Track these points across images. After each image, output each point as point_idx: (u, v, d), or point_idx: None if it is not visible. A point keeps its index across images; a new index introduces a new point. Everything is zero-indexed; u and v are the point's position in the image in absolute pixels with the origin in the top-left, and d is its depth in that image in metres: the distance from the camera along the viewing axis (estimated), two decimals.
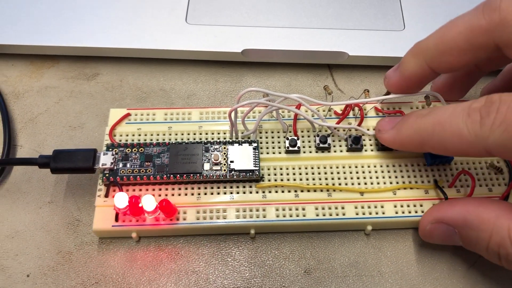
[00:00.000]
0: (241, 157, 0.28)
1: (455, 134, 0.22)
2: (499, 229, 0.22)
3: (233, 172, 0.28)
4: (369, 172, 0.29)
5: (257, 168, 0.28)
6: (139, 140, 0.29)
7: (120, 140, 0.29)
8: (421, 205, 0.28)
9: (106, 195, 0.28)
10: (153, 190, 0.28)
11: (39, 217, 0.28)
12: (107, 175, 0.28)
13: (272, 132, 0.30)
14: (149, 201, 0.26)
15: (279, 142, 0.30)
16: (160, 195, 0.28)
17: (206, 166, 0.28)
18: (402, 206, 0.28)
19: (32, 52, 0.34)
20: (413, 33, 0.34)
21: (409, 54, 0.26)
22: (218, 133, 0.30)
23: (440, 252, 0.28)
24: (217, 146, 0.29)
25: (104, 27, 0.34)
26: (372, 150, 0.29)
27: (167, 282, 0.27)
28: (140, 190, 0.28)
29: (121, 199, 0.26)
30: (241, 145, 0.29)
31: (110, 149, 0.28)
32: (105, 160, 0.28)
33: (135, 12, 0.35)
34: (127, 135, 0.30)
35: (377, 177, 0.29)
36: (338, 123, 0.30)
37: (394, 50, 0.33)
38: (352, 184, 0.28)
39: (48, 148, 0.31)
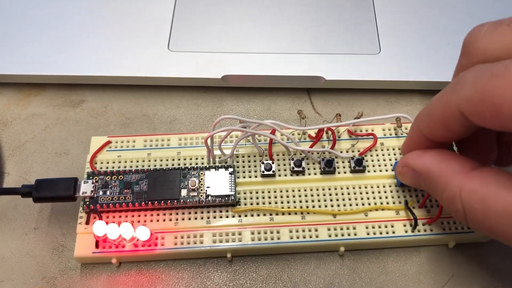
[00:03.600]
0: (217, 183, 0.29)
1: (438, 98, 0.23)
2: (452, 186, 0.23)
3: (209, 197, 0.29)
4: (342, 194, 0.30)
5: (232, 193, 0.29)
6: (119, 167, 0.31)
7: (101, 168, 0.30)
8: (392, 226, 0.29)
9: (87, 222, 0.29)
10: (132, 216, 0.29)
11: (24, 243, 0.30)
12: (87, 203, 0.29)
13: (249, 157, 0.31)
14: (127, 230, 0.27)
15: (255, 166, 0.31)
16: (139, 221, 0.29)
17: (184, 192, 0.29)
18: (373, 227, 0.29)
19: (20, 81, 0.35)
20: (388, 56, 0.35)
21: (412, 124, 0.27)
22: (196, 158, 0.31)
23: (413, 272, 0.28)
24: (194, 172, 0.30)
25: (89, 55, 0.35)
26: (345, 172, 0.30)
27: None
28: (120, 216, 0.29)
29: (99, 227, 0.27)
30: (218, 170, 0.30)
31: (91, 177, 0.29)
32: (86, 188, 0.29)
33: (119, 40, 0.36)
34: (107, 163, 0.31)
35: (349, 199, 0.29)
36: (311, 146, 0.31)
37: (369, 73, 0.34)
38: (326, 206, 0.29)
39: (34, 175, 0.32)
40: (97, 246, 0.28)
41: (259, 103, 0.35)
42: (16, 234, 0.30)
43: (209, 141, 0.29)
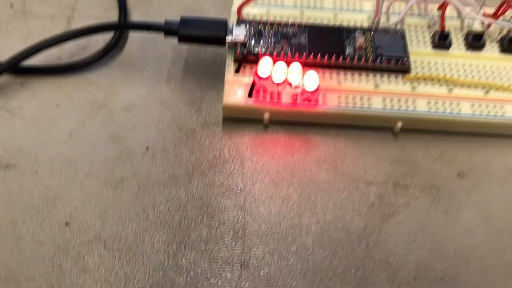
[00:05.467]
0: (388, 44, 0.25)
1: None
2: None
3: (379, 58, 0.25)
4: None
5: (406, 56, 0.25)
6: (271, 20, 0.26)
7: (249, 19, 0.26)
8: None
9: (237, 71, 0.24)
10: None
11: (156, 92, 0.25)
12: (239, 49, 0.25)
13: (416, 27, 0.27)
14: (296, 72, 0.23)
15: (424, 38, 0.27)
16: None
17: (349, 49, 0.25)
18: None
19: None
20: None
21: None
22: (355, 23, 0.27)
23: None
24: (360, 32, 0.26)
25: None
26: None
27: (309, 166, 0.23)
28: None
29: (266, 64, 0.23)
30: (387, 32, 0.26)
31: (242, 24, 0.25)
32: (238, 32, 0.25)
33: None
34: (255, 17, 0.27)
35: None
36: (493, 19, 0.26)
37: None
38: (509, 84, 0.25)
39: None
40: (250, 94, 0.24)
41: None
42: (147, 83, 0.26)
43: None
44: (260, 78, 0.23)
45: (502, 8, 0.27)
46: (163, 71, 0.26)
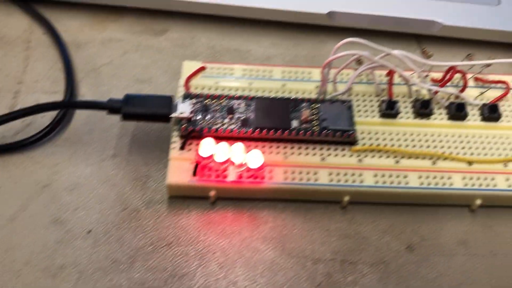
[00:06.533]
0: (334, 116, 0.25)
1: None
2: None
3: (325, 131, 0.25)
4: (475, 142, 0.26)
5: (352, 128, 0.25)
6: (217, 93, 0.26)
7: (196, 92, 0.26)
8: None
9: (182, 148, 0.24)
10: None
11: (102, 170, 0.25)
12: (184, 125, 0.24)
13: (364, 95, 0.27)
14: (239, 151, 0.23)
15: (371, 106, 0.27)
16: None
17: (295, 123, 0.25)
18: None
19: (94, 1, 0.31)
20: (509, 8, 0.31)
21: None
22: (303, 93, 0.27)
23: None
24: (306, 104, 0.26)
25: None
26: (475, 120, 0.26)
27: (256, 245, 0.23)
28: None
29: (208, 145, 0.22)
30: (333, 103, 0.26)
31: (188, 99, 0.25)
32: (183, 108, 0.25)
33: None
34: (203, 88, 0.27)
35: (483, 148, 0.25)
36: (441, 86, 0.27)
37: (487, 24, 0.31)
38: (458, 153, 0.25)
39: None
40: (194, 173, 0.23)
41: (364, 49, 0.31)
42: (92, 160, 0.25)
43: (326, 69, 0.25)
44: (202, 158, 0.23)
45: (449, 74, 0.27)
46: (109, 146, 0.26)
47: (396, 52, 0.25)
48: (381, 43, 0.31)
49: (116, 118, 0.25)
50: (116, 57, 0.30)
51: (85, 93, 0.28)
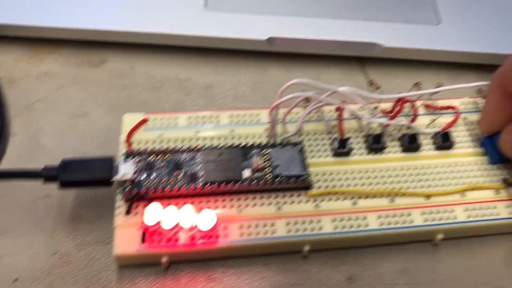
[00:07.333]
0: (286, 161, 0.24)
1: None
2: None
3: (279, 178, 0.24)
4: (430, 173, 0.25)
5: (306, 172, 0.24)
6: (162, 147, 0.25)
7: (139, 149, 0.25)
8: (494, 207, 0.24)
9: (128, 212, 0.23)
10: (184, 204, 0.23)
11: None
12: (129, 188, 0.23)
13: (314, 134, 0.26)
14: (188, 214, 0.21)
15: (324, 145, 0.26)
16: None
17: (246, 172, 0.24)
18: (474, 209, 0.24)
19: (31, 34, 0.30)
20: (449, 27, 0.32)
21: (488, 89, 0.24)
22: (253, 137, 0.26)
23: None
24: (256, 150, 0.24)
25: (114, 8, 0.31)
26: (429, 150, 0.26)
27: None
28: (169, 204, 0.23)
29: (154, 212, 0.21)
30: (284, 147, 0.25)
31: (130, 158, 0.24)
32: (126, 169, 0.23)
33: None
34: (146, 143, 0.25)
35: (440, 179, 0.25)
36: (391, 119, 0.26)
37: (429, 43, 0.31)
38: (415, 187, 0.25)
39: (46, 137, 0.27)
40: (143, 240, 0.22)
41: (307, 73, 0.31)
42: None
43: (274, 112, 0.24)
44: (147, 227, 0.21)
45: (399, 105, 0.26)
46: (50, 217, 0.24)
47: (342, 89, 0.24)
48: (325, 67, 0.31)
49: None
50: (52, 92, 0.29)
51: (17, 131, 0.26)
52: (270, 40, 0.30)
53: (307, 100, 0.26)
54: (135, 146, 0.25)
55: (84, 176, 0.23)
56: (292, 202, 0.24)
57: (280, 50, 0.31)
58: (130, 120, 0.26)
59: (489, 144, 0.26)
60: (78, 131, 0.27)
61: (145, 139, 0.25)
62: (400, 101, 0.26)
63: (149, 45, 0.31)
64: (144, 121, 0.26)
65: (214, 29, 0.30)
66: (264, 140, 0.26)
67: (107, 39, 0.31)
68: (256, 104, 0.29)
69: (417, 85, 0.27)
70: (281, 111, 0.25)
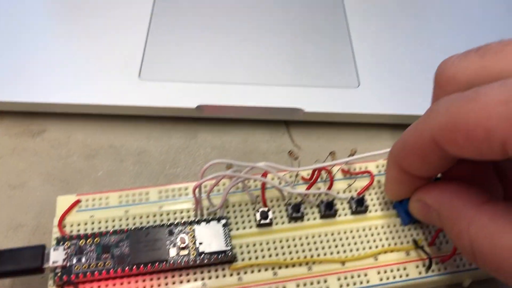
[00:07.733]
0: (210, 237, 0.26)
1: (411, 128, 0.22)
2: (461, 220, 0.21)
3: (203, 255, 0.25)
4: (346, 238, 0.27)
5: (229, 248, 0.26)
6: (93, 229, 0.26)
7: (72, 231, 0.26)
8: (404, 268, 0.26)
9: None
10: (114, 285, 0.25)
11: None
12: (59, 274, 0.24)
13: (240, 205, 0.28)
14: None
15: (248, 216, 0.28)
16: None
17: (172, 251, 0.25)
18: (386, 272, 0.26)
19: None
20: (367, 90, 0.34)
21: (386, 164, 0.26)
22: (181, 212, 0.27)
23: None
24: (182, 228, 0.26)
25: (52, 81, 0.33)
26: (345, 215, 0.28)
27: None
28: (99, 287, 0.24)
29: None
30: (209, 223, 0.26)
31: (61, 243, 0.25)
32: (56, 256, 0.24)
33: (85, 66, 0.33)
34: (79, 225, 0.27)
35: (355, 243, 0.27)
36: (308, 188, 0.28)
37: (349, 106, 0.33)
38: (331, 253, 0.27)
39: None
40: None
41: (236, 136, 0.34)
42: None
43: (197, 191, 0.26)
44: None
45: (316, 174, 0.28)
46: None
47: (260, 164, 0.26)
48: (252, 130, 0.34)
49: None
50: None
51: None
52: (199, 107, 0.32)
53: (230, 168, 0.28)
54: (67, 229, 0.26)
55: (15, 267, 0.24)
56: (217, 276, 0.25)
57: (210, 116, 0.33)
58: (64, 201, 0.27)
59: (400, 207, 0.28)
60: (14, 202, 0.29)
61: (77, 221, 0.27)
62: (316, 170, 0.28)
63: (86, 115, 0.33)
64: (77, 203, 0.27)
65: (147, 99, 0.32)
66: (191, 215, 0.27)
67: (46, 110, 0.32)
68: (187, 169, 0.31)
69: (331, 154, 0.29)
70: (209, 183, 0.27)
